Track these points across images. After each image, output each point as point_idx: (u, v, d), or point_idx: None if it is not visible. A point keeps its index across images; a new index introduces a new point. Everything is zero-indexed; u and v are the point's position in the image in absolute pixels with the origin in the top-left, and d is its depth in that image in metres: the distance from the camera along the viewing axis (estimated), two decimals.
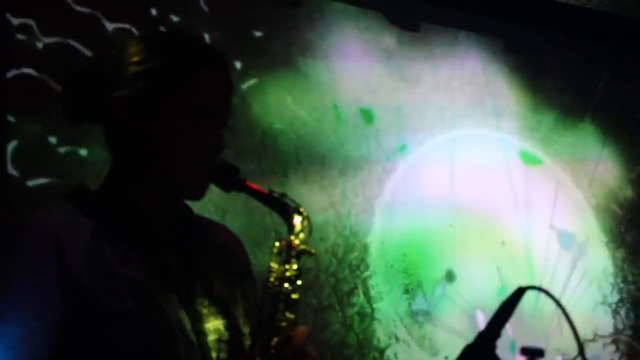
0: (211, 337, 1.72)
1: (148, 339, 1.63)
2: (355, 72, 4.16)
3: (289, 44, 3.96)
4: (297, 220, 1.74)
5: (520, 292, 1.67)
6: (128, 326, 1.62)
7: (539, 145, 4.66)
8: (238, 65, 3.79)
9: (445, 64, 4.43)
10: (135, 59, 1.75)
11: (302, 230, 1.74)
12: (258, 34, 3.88)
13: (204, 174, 1.75)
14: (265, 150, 3.82)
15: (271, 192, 1.77)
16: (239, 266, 1.89)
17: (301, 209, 1.76)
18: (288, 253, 1.73)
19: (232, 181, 1.76)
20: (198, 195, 1.78)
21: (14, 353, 1.59)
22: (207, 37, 3.66)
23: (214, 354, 1.71)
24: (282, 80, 3.92)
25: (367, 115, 4.16)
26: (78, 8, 3.35)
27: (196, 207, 1.86)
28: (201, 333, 1.71)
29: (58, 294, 1.62)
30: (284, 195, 1.76)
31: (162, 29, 3.49)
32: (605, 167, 4.83)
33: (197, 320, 1.71)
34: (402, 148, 4.23)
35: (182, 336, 1.66)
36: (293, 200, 1.75)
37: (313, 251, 1.74)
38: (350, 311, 3.95)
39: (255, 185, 1.77)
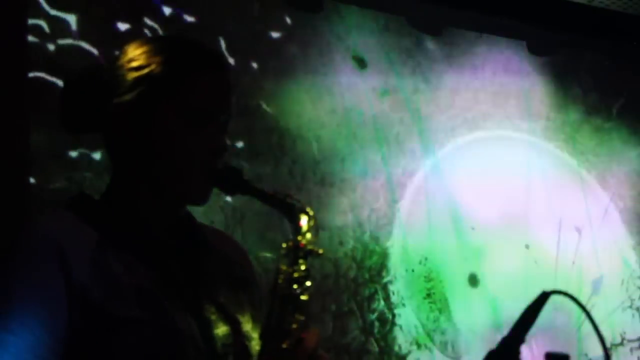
0: (220, 344, 1.70)
1: (157, 346, 1.61)
2: (375, 74, 4.12)
3: (307, 45, 3.93)
4: (303, 220, 1.71)
5: (544, 297, 1.63)
6: (136, 334, 1.60)
7: (564, 146, 4.62)
8: (254, 65, 3.76)
9: (467, 65, 4.39)
10: (133, 64, 1.73)
11: (308, 230, 1.71)
12: (275, 35, 3.85)
13: (206, 179, 1.73)
14: (283, 153, 3.78)
15: (276, 192, 1.74)
16: (243, 272, 1.88)
17: (307, 209, 1.73)
18: (295, 254, 1.70)
19: (235, 184, 1.74)
20: (201, 200, 1.76)
21: None
22: (222, 41, 3.64)
23: (226, 358, 1.69)
24: (301, 82, 3.89)
25: (386, 117, 4.13)
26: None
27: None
28: (210, 339, 1.69)
29: (63, 303, 1.59)
30: (289, 195, 1.73)
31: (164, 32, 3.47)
32: (631, 168, 4.79)
33: (206, 327, 1.69)
34: (426, 151, 4.21)
35: (191, 343, 1.65)
36: (298, 200, 1.73)
37: (321, 251, 1.71)
38: (371, 317, 3.91)
39: (259, 187, 1.74)
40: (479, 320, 4.21)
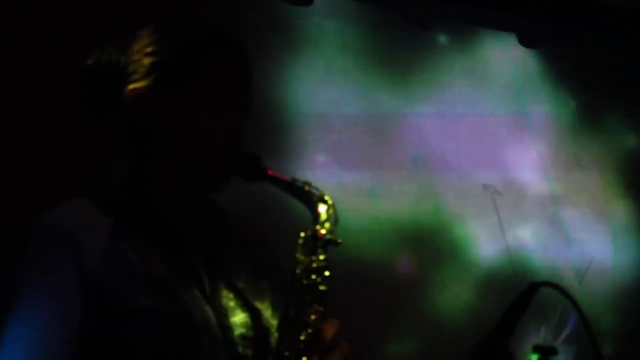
0: (237, 332, 1.67)
1: (171, 335, 1.59)
2: (366, 68, 4.13)
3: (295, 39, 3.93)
4: (322, 209, 1.68)
5: (532, 289, 1.63)
6: (150, 323, 1.58)
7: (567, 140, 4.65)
8: None
9: (460, 58, 4.40)
10: (149, 49, 1.70)
11: (327, 220, 1.68)
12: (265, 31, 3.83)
13: (224, 166, 1.69)
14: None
15: (294, 180, 1.70)
16: (265, 257, 1.83)
17: (326, 197, 1.68)
18: (314, 243, 1.67)
19: (254, 171, 1.70)
20: (219, 187, 1.73)
21: (32, 355, 1.57)
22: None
23: (240, 349, 1.67)
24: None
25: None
26: None
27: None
28: (227, 328, 1.66)
29: (77, 294, 1.58)
30: (307, 183, 1.70)
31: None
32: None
33: (222, 315, 1.66)
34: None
35: (206, 331, 1.63)
36: (317, 188, 1.69)
37: (340, 241, 1.68)
38: None
39: (277, 174, 1.70)
40: None
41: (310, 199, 1.68)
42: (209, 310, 1.65)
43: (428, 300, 4.21)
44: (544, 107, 4.61)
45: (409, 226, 4.16)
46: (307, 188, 1.69)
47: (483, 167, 4.39)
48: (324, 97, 3.97)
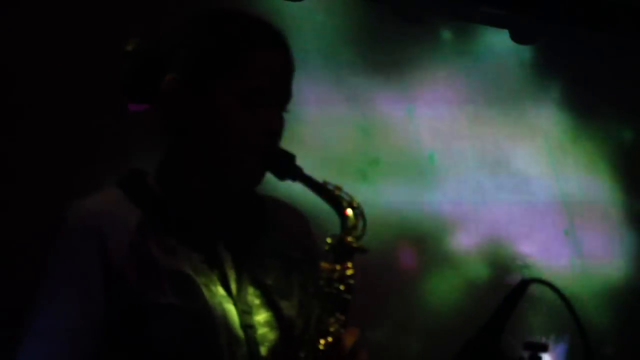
0: (261, 331, 1.65)
1: (189, 333, 1.58)
2: (358, 62, 4.12)
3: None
4: (350, 214, 1.67)
5: (523, 285, 1.63)
6: (170, 321, 1.57)
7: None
8: None
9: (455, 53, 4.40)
10: (187, 40, 1.68)
11: (355, 227, 1.66)
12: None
13: (258, 162, 1.66)
14: None
15: (326, 183, 1.67)
16: (301, 252, 1.78)
17: (355, 203, 1.66)
18: (340, 251, 1.65)
19: (287, 169, 1.66)
20: (252, 184, 1.70)
21: (56, 348, 1.57)
22: None
23: (262, 349, 1.65)
24: None
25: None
26: None
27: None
28: (249, 327, 1.65)
29: (100, 288, 1.58)
30: (338, 187, 1.68)
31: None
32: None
33: (246, 313, 1.64)
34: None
35: (225, 331, 1.61)
36: (347, 194, 1.67)
37: (367, 249, 1.66)
38: None
39: (310, 175, 1.67)
40: None
41: (340, 203, 1.66)
42: (231, 308, 1.64)
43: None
44: (540, 104, 4.62)
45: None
46: (337, 192, 1.66)
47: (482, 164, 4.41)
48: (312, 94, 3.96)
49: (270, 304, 1.68)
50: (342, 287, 1.61)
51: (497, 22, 4.49)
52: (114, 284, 1.57)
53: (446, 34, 4.41)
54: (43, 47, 3.36)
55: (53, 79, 3.34)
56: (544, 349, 1.60)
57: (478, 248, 4.36)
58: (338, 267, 1.62)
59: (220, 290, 1.63)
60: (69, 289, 1.59)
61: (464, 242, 4.32)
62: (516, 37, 4.53)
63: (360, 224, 1.64)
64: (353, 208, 1.65)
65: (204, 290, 1.60)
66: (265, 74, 1.66)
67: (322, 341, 1.59)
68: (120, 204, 1.65)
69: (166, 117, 1.69)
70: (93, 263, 1.58)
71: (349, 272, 1.63)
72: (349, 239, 1.63)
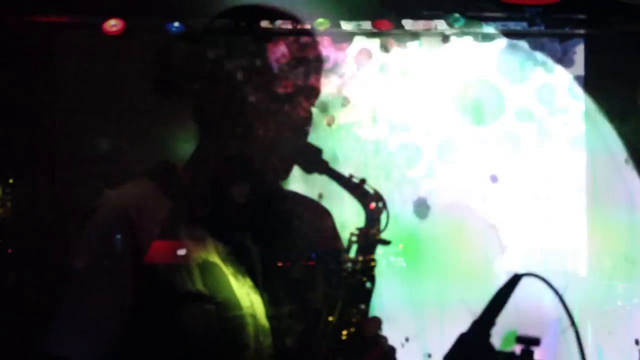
0: (286, 322, 1.69)
1: (217, 322, 1.61)
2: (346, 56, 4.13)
3: None
4: (374, 208, 1.69)
5: (515, 280, 1.63)
6: (198, 309, 1.60)
7: None
8: None
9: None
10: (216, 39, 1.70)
11: (379, 220, 1.69)
12: None
13: (287, 156, 1.70)
14: None
15: (351, 177, 1.71)
16: (325, 246, 1.83)
17: (379, 197, 1.70)
18: (364, 243, 1.68)
19: (315, 163, 1.70)
20: (282, 175, 1.74)
21: (85, 329, 1.60)
22: None
23: (287, 340, 1.68)
24: None
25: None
26: None
27: None
28: (274, 318, 1.67)
29: (129, 275, 1.61)
30: (363, 181, 1.71)
31: None
32: None
33: (272, 305, 1.67)
34: None
35: (252, 321, 1.64)
36: (372, 187, 1.70)
37: (389, 241, 1.69)
38: None
39: (336, 169, 1.72)
40: None
41: (365, 196, 1.68)
42: (258, 299, 1.66)
43: None
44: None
45: None
46: (362, 186, 1.69)
47: None
48: None
49: (295, 296, 1.70)
50: (364, 279, 1.65)
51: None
52: (144, 270, 1.59)
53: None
54: None
55: None
56: (536, 343, 1.60)
57: None
58: (361, 258, 1.65)
59: (248, 281, 1.65)
60: (99, 276, 1.61)
61: None
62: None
63: (384, 217, 1.68)
64: (377, 201, 1.67)
65: (232, 280, 1.63)
66: (294, 72, 1.69)
67: (344, 332, 1.62)
68: (150, 194, 1.67)
69: (199, 110, 1.72)
70: (124, 251, 1.60)
71: (372, 264, 1.66)
72: (373, 231, 1.66)
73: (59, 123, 3.41)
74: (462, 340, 1.60)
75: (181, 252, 1.63)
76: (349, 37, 3.95)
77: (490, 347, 1.60)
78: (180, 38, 1.82)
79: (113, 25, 3.24)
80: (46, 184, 3.37)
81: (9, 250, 3.28)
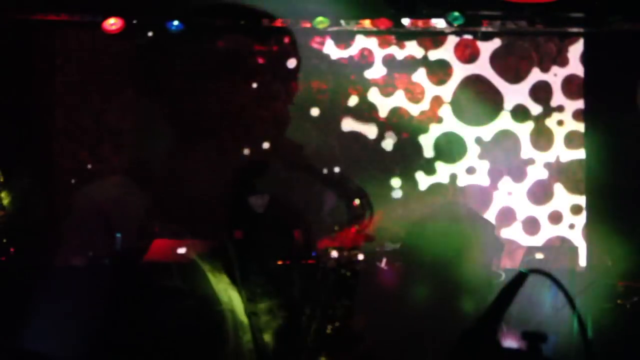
0: (264, 318, 1.68)
1: (195, 317, 1.61)
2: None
3: None
4: (357, 204, 1.68)
5: (521, 277, 1.62)
6: (176, 304, 1.60)
7: None
8: None
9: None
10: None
11: (362, 215, 1.68)
12: None
13: (268, 152, 1.70)
14: None
15: (333, 174, 1.70)
16: (303, 242, 1.83)
17: (362, 193, 1.69)
18: (347, 239, 1.67)
19: (295, 160, 1.70)
20: (260, 172, 1.73)
21: (63, 322, 1.60)
22: None
23: (266, 336, 1.67)
24: None
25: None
26: None
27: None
28: (253, 314, 1.67)
29: (106, 269, 1.61)
30: (344, 177, 1.70)
31: None
32: None
33: (250, 301, 1.67)
34: None
35: (231, 317, 1.63)
36: (354, 183, 1.70)
37: (373, 237, 1.68)
38: None
39: (317, 167, 1.71)
40: None
41: (346, 193, 1.68)
42: (236, 295, 1.65)
43: None
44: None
45: None
46: (343, 182, 1.69)
47: None
48: None
49: (273, 292, 1.69)
50: (348, 274, 1.64)
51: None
52: (122, 264, 1.59)
53: None
54: None
55: None
56: (543, 339, 1.60)
57: None
58: (345, 254, 1.64)
59: (225, 278, 1.64)
60: (76, 271, 1.61)
61: None
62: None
63: (368, 212, 1.67)
64: (360, 197, 1.65)
65: (210, 276, 1.62)
66: (273, 71, 1.68)
67: (329, 326, 1.61)
68: (128, 190, 1.66)
69: (177, 107, 1.71)
70: (101, 245, 1.60)
71: (356, 259, 1.65)
72: (357, 227, 1.65)
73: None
74: (468, 337, 1.59)
75: (160, 248, 1.63)
76: (349, 35, 3.94)
77: (496, 343, 1.59)
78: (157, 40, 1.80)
79: (113, 24, 3.23)
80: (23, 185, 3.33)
81: None
